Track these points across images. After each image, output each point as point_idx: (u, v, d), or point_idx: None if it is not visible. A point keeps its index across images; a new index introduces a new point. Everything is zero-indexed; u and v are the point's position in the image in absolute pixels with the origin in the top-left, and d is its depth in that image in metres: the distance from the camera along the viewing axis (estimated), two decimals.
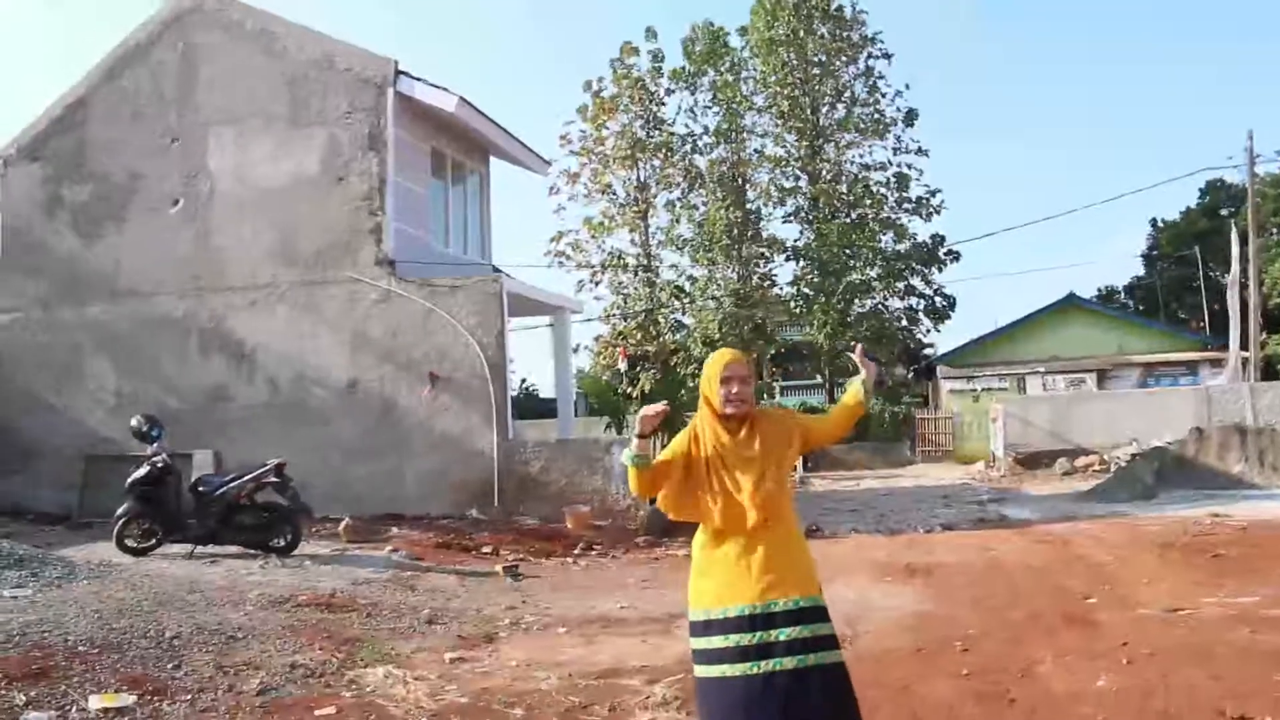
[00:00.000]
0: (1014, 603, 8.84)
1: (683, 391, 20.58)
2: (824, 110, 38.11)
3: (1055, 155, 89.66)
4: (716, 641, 3.83)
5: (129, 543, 11.14)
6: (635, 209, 36.45)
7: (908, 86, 42.18)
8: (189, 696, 6.04)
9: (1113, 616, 7.91)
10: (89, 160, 16.62)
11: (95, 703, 5.72)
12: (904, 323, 38.12)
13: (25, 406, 16.45)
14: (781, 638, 3.78)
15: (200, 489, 11.40)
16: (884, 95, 37.75)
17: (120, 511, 11.27)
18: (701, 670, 3.88)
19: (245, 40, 16.11)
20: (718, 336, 33.99)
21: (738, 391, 4.01)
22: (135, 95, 16.50)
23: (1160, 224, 51.85)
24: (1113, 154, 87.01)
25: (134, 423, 11.74)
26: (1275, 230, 43.80)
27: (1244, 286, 30.92)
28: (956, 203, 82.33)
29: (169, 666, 6.60)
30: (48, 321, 16.59)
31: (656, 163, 36.25)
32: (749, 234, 36.97)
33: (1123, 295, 52.42)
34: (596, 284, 36.90)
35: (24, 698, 5.69)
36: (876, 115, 37.66)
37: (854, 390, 4.18)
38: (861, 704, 5.48)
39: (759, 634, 3.78)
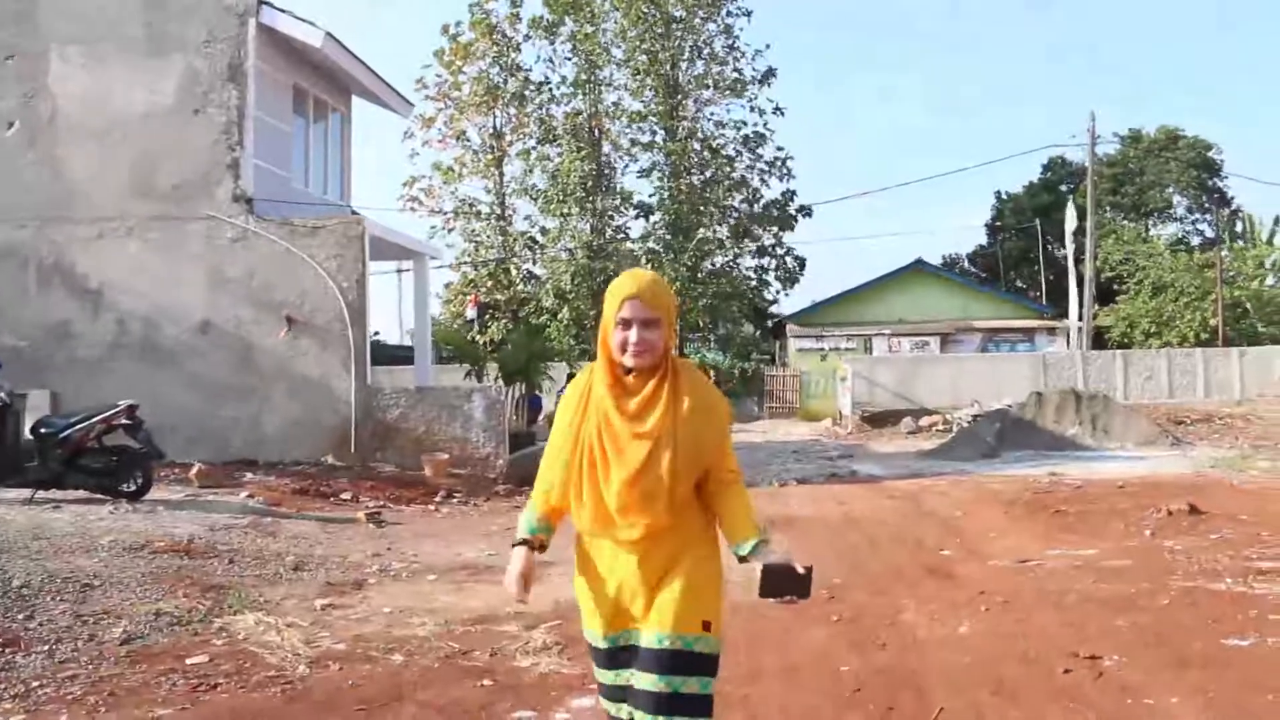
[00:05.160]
0: (873, 555, 9.18)
1: (537, 341, 20.52)
2: (683, 66, 38.05)
3: (909, 121, 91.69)
4: (593, 662, 3.09)
5: None
6: (490, 157, 36.08)
7: (768, 46, 42.68)
8: (46, 647, 5.77)
9: (968, 568, 8.28)
10: None
11: None
12: (754, 283, 38.59)
13: None
14: (636, 685, 2.88)
15: (42, 430, 10.77)
16: (743, 55, 37.89)
17: None
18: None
19: None
20: (569, 288, 34.02)
21: (638, 340, 2.83)
22: None
23: (1004, 196, 53.83)
24: (963, 124, 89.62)
25: None
26: (1109, 208, 46.13)
27: (1080, 261, 32.53)
28: (811, 157, 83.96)
29: (20, 617, 6.27)
30: None
31: (512, 111, 35.88)
32: (603, 187, 36.88)
33: (966, 263, 54.33)
34: (449, 231, 36.59)
35: None
36: (735, 73, 37.79)
37: (746, 547, 3.09)
38: (743, 649, 5.66)
39: (618, 672, 2.96)
